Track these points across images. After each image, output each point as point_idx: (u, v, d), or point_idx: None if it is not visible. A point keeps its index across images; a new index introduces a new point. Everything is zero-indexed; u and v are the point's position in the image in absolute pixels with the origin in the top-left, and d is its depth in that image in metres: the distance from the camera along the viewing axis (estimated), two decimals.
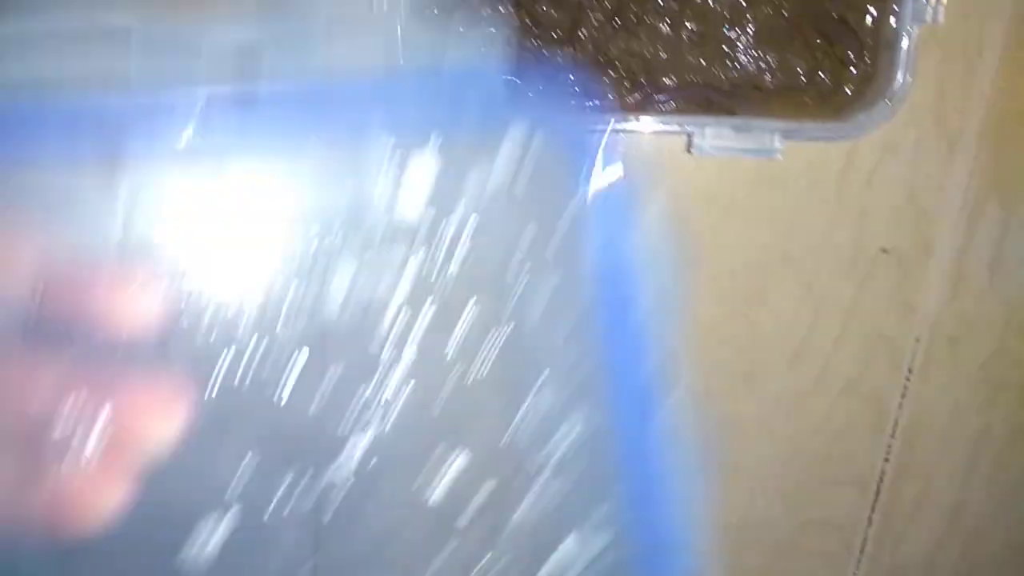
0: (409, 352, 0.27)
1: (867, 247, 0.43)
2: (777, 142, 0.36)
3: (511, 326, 0.27)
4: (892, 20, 0.36)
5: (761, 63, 0.39)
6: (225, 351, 0.25)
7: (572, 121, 0.27)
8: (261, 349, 0.26)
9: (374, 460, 0.27)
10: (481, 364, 0.27)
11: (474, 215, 0.26)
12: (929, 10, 0.35)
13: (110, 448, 0.22)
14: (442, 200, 0.26)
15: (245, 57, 0.23)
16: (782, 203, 0.42)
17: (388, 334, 0.27)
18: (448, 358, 0.27)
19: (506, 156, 0.25)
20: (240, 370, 0.25)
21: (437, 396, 0.27)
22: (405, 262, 0.27)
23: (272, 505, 0.26)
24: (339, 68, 0.24)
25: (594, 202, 0.26)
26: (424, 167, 0.25)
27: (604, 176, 0.26)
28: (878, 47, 0.38)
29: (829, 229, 0.42)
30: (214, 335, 0.25)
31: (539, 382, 0.27)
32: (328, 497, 0.27)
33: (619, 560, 0.27)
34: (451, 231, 0.26)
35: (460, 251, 0.27)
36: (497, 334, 0.27)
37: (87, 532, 0.22)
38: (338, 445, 0.27)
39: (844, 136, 0.37)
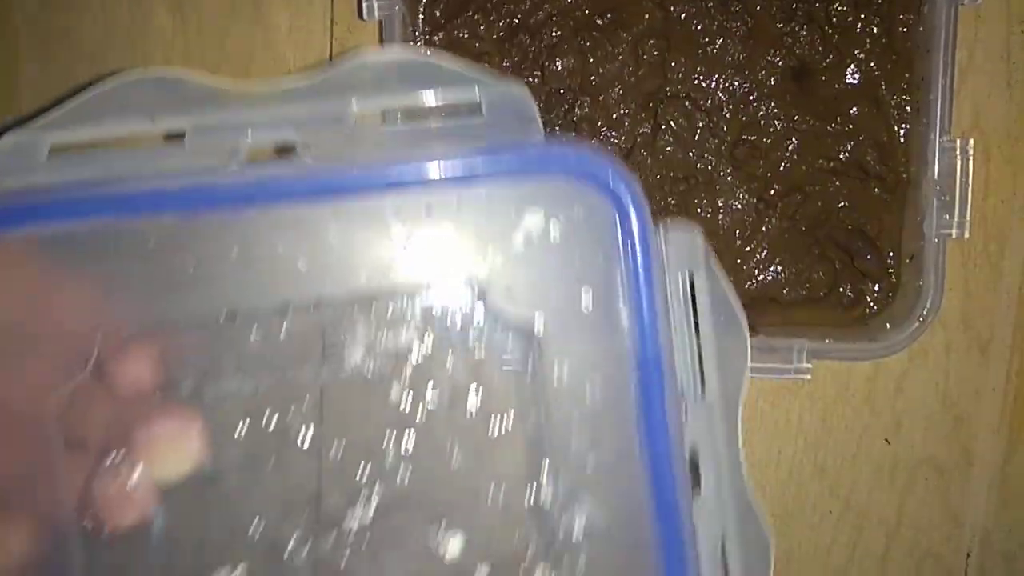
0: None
1: (905, 457, 0.40)
2: (805, 362, 0.35)
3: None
4: (915, 235, 0.35)
5: (778, 276, 0.38)
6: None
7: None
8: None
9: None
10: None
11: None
12: (955, 225, 0.34)
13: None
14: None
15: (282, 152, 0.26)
16: (810, 413, 0.40)
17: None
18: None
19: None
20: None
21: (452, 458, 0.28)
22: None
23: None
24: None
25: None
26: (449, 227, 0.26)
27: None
28: (900, 261, 0.37)
29: (863, 439, 0.40)
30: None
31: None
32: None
33: None
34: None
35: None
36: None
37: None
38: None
39: (875, 356, 0.35)
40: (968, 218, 0.34)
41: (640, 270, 0.26)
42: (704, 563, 0.27)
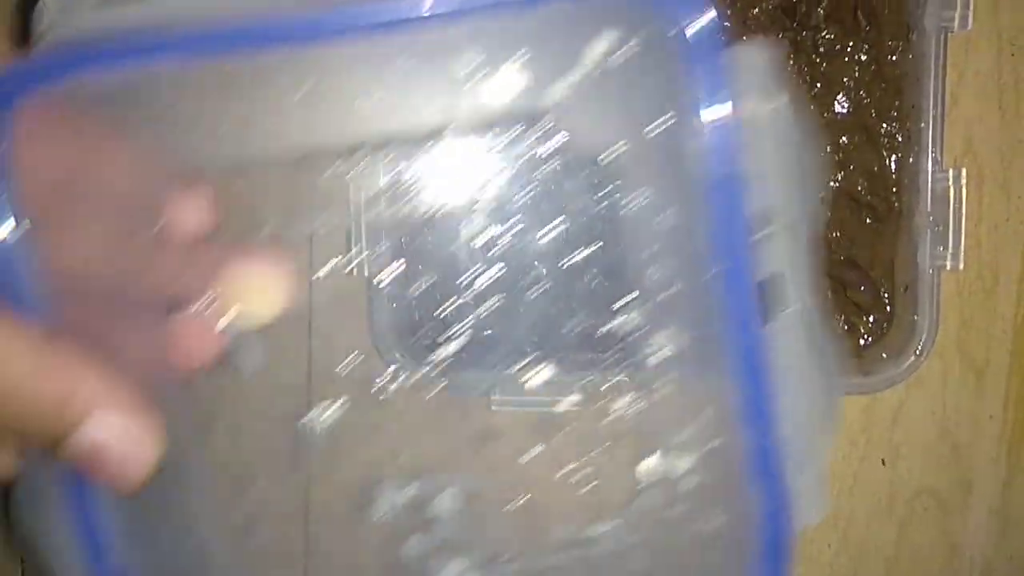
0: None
1: (903, 488, 0.40)
2: None
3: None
4: (909, 264, 0.35)
5: None
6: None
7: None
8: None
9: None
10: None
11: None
12: (949, 256, 0.33)
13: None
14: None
15: None
16: None
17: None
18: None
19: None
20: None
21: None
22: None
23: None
24: None
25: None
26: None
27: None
28: (894, 291, 0.36)
29: (860, 470, 0.40)
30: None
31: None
32: None
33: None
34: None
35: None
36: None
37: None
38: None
39: (871, 390, 0.34)
40: (963, 249, 0.34)
41: (714, 90, 0.24)
42: (776, 391, 0.27)
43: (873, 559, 0.40)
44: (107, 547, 0.24)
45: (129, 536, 0.24)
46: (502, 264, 0.28)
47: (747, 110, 0.26)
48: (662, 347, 0.28)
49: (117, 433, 0.21)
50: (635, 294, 0.27)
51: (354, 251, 0.29)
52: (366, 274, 0.29)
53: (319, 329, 0.30)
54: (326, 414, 0.28)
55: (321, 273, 0.29)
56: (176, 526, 0.26)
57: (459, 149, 0.27)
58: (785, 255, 0.27)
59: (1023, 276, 0.38)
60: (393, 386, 0.29)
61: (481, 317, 0.29)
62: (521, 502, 0.29)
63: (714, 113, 0.25)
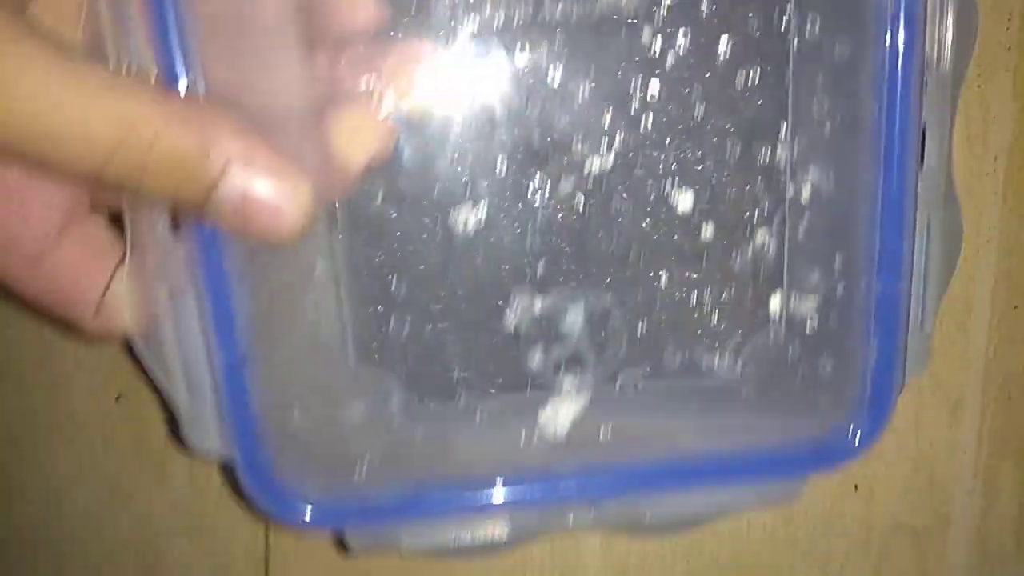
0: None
1: (880, 523, 0.39)
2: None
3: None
4: None
5: None
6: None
7: None
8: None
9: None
10: None
11: None
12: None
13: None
14: None
15: None
16: None
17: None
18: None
19: None
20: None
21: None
22: None
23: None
24: None
25: None
26: None
27: None
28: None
29: (835, 507, 0.39)
30: None
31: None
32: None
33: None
34: None
35: None
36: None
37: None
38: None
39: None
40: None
41: None
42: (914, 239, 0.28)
43: None
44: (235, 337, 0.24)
45: (253, 331, 0.25)
46: (665, 76, 0.29)
47: None
48: (810, 183, 0.29)
49: (267, 182, 0.20)
50: (790, 125, 0.28)
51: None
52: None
53: (480, 130, 0.29)
54: (473, 214, 0.29)
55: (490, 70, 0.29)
56: (301, 322, 0.27)
57: None
58: (935, 108, 0.28)
59: (994, 309, 0.38)
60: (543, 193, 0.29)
61: (640, 132, 0.29)
62: (645, 326, 0.30)
63: None
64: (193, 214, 0.22)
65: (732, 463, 0.29)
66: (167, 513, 0.42)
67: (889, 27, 0.26)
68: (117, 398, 0.41)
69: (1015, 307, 0.37)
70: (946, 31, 0.27)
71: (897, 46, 0.27)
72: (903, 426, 0.39)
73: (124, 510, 0.42)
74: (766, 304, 0.30)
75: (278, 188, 0.21)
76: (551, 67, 0.28)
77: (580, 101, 0.28)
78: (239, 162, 0.20)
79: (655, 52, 0.28)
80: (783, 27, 0.28)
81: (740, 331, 0.30)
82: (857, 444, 0.30)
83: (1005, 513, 0.39)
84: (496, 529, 0.29)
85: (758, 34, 0.28)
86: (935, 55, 0.28)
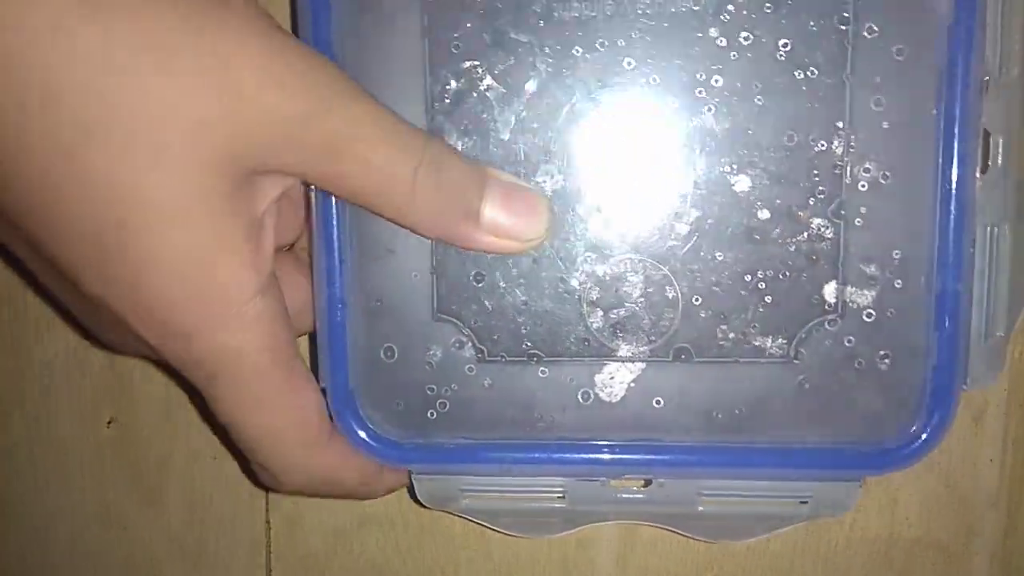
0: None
1: (902, 537, 0.38)
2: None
3: None
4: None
5: None
6: None
7: None
8: None
9: None
10: None
11: None
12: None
13: None
14: None
15: None
16: None
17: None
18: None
19: None
20: None
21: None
22: None
23: None
24: None
25: None
26: None
27: None
28: None
29: (856, 521, 0.38)
30: None
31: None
32: None
33: None
34: None
35: None
36: None
37: None
38: None
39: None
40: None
41: None
42: (976, 241, 0.30)
43: None
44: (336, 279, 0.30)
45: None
46: (727, 66, 0.30)
47: None
48: (870, 174, 0.30)
49: (520, 202, 0.27)
50: (848, 119, 0.29)
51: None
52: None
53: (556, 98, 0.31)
54: (551, 182, 0.30)
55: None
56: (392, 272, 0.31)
57: None
58: (1002, 114, 0.29)
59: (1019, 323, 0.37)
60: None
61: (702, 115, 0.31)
62: (702, 301, 0.31)
63: None
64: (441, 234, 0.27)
65: (787, 453, 0.31)
66: (163, 540, 0.41)
67: (951, 25, 0.28)
68: (109, 423, 0.40)
69: None
70: (1014, 33, 0.28)
71: (955, 48, 0.28)
72: None
73: (118, 538, 0.41)
74: (822, 292, 0.31)
75: (528, 206, 0.26)
76: (626, 58, 0.30)
77: (647, 86, 0.30)
78: (497, 186, 0.26)
79: (721, 44, 0.29)
80: (842, 23, 0.29)
81: (795, 317, 0.31)
82: (916, 447, 0.31)
83: None
84: (551, 500, 0.32)
85: (816, 28, 0.29)
86: (997, 59, 0.29)
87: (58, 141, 0.20)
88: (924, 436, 0.30)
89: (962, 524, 0.38)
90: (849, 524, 0.38)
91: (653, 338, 0.31)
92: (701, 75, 0.29)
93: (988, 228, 0.30)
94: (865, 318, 0.30)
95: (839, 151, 0.30)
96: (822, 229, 0.30)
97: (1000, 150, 0.29)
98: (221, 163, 0.21)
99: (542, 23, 0.29)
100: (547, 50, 0.29)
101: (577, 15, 0.29)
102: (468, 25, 0.29)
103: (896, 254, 0.30)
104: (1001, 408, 0.37)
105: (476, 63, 0.29)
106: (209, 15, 0.20)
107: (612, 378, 0.31)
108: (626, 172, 0.30)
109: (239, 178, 0.21)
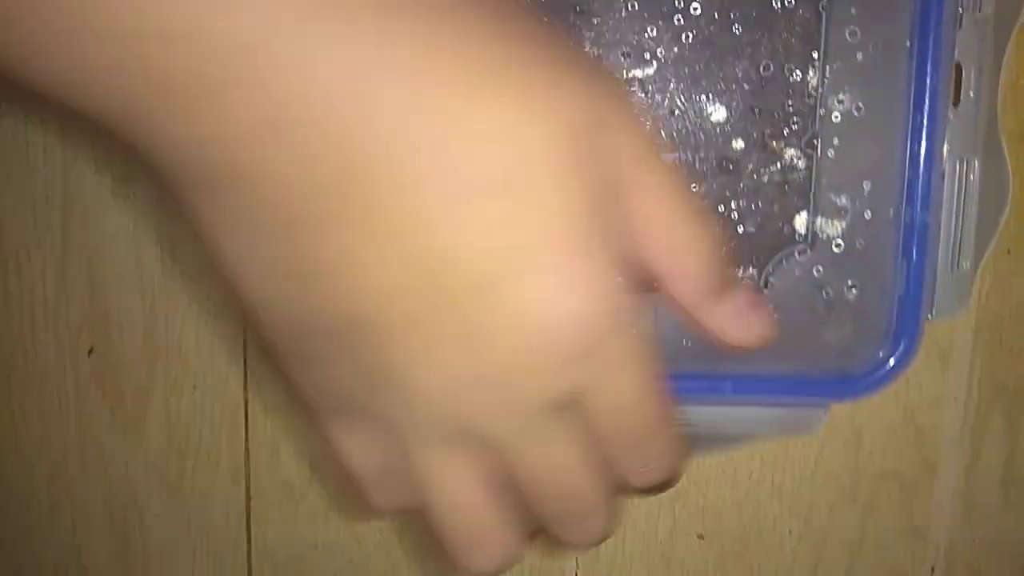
0: None
1: (866, 472, 0.39)
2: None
3: None
4: None
5: None
6: None
7: None
8: None
9: None
10: None
11: None
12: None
13: None
14: None
15: None
16: None
17: None
18: None
19: None
20: None
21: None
22: None
23: None
24: None
25: None
26: None
27: None
28: None
29: (822, 455, 0.38)
30: None
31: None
32: None
33: None
34: None
35: None
36: None
37: None
38: None
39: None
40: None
41: None
42: (946, 173, 0.30)
43: (836, 544, 0.39)
44: None
45: None
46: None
47: None
48: (841, 108, 0.30)
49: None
50: (823, 51, 0.30)
51: None
52: None
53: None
54: None
55: None
56: None
57: None
58: (974, 50, 0.29)
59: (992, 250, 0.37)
60: None
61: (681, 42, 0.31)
62: None
63: None
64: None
65: (755, 381, 0.31)
66: (143, 472, 0.41)
67: None
68: (89, 352, 0.40)
69: (1008, 251, 0.37)
70: None
71: None
72: None
73: (97, 470, 0.41)
74: (792, 222, 0.31)
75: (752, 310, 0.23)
76: None
77: (625, 13, 0.30)
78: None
79: None
80: None
81: (766, 247, 0.31)
82: (880, 375, 0.31)
83: (993, 463, 0.39)
84: None
85: None
86: None
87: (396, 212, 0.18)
88: (889, 364, 0.31)
89: (926, 460, 0.39)
90: (814, 457, 0.38)
91: None
92: (680, 2, 0.30)
93: (958, 161, 0.30)
94: (834, 248, 0.31)
95: (813, 82, 0.30)
96: (795, 160, 0.30)
97: (972, 83, 0.29)
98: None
99: None
100: None
101: None
102: None
103: (866, 185, 0.30)
104: (967, 347, 0.38)
105: None
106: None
107: None
108: None
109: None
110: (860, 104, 0.30)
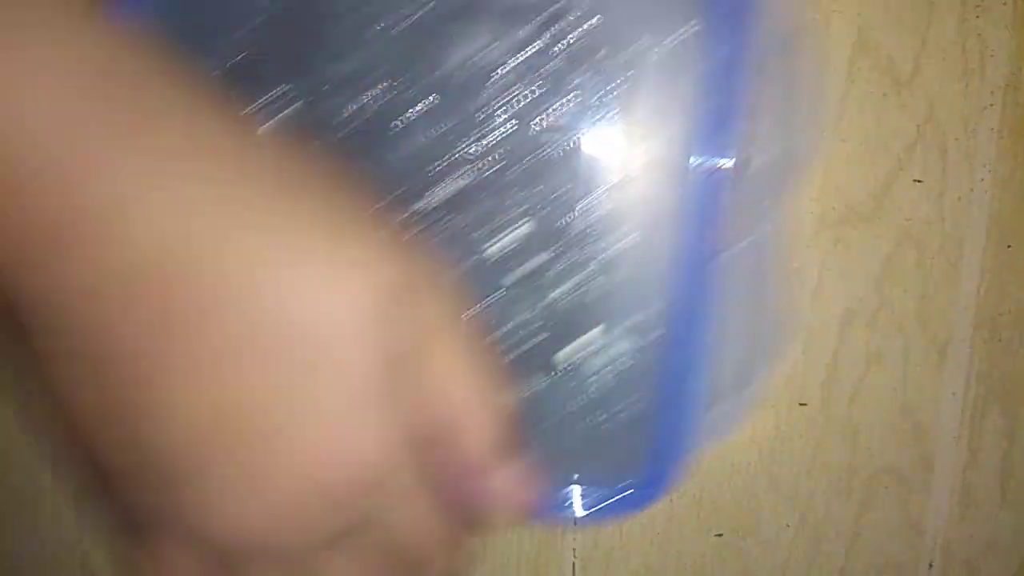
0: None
1: (863, 466, 0.39)
2: None
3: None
4: None
5: None
6: None
7: None
8: None
9: None
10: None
11: None
12: None
13: None
14: None
15: None
16: (763, 423, 0.38)
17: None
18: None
19: None
20: None
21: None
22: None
23: None
24: None
25: None
26: None
27: None
28: None
29: (819, 449, 0.38)
30: None
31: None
32: None
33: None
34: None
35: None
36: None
37: None
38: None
39: None
40: None
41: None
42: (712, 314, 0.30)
43: (832, 539, 0.39)
44: None
45: None
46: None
47: (763, 37, 0.29)
48: (629, 235, 0.30)
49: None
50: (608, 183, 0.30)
51: None
52: None
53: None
54: None
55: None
56: None
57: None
58: (761, 188, 0.30)
59: (987, 248, 0.37)
60: None
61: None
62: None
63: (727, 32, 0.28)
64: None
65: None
66: None
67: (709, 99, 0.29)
68: None
69: (1008, 246, 0.37)
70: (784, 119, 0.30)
71: (715, 122, 0.29)
72: (890, 367, 0.38)
73: None
74: (586, 337, 0.31)
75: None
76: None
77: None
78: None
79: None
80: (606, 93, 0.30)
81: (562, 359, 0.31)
82: (631, 503, 0.31)
83: (990, 459, 0.39)
84: None
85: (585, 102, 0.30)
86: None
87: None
88: (642, 494, 0.31)
89: (923, 456, 0.39)
90: (812, 451, 0.38)
91: None
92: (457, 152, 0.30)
93: (735, 296, 0.31)
94: (621, 364, 0.31)
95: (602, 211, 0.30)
96: (589, 279, 0.30)
97: (754, 220, 0.30)
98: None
99: None
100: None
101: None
102: None
103: (649, 309, 0.30)
104: (966, 343, 0.38)
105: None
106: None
107: None
108: None
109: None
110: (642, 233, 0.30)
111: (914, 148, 0.37)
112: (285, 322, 0.20)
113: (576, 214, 0.29)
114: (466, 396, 0.23)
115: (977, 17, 0.36)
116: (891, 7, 0.36)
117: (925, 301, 0.37)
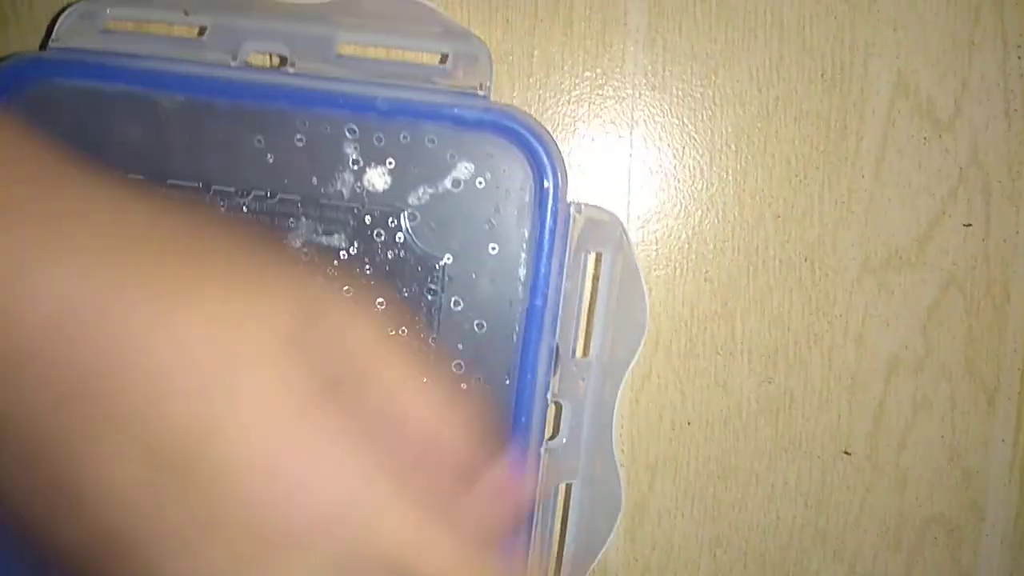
0: None
1: (912, 516, 0.38)
2: None
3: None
4: None
5: None
6: None
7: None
8: None
9: None
10: None
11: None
12: None
13: None
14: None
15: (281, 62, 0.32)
16: (809, 474, 0.37)
17: None
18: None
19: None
20: None
21: None
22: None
23: None
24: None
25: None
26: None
27: None
28: None
29: (867, 499, 0.37)
30: None
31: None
32: None
33: None
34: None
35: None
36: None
37: None
38: None
39: None
40: None
41: (547, 232, 0.31)
42: (541, 495, 0.33)
43: None
44: None
45: None
46: None
47: (577, 257, 0.32)
48: None
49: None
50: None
51: None
52: None
53: None
54: None
55: None
56: None
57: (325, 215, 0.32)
58: (577, 388, 0.32)
59: None
60: None
61: None
62: None
63: (543, 249, 0.31)
64: None
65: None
66: None
67: (525, 311, 0.31)
68: None
69: None
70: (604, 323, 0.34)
71: (530, 330, 0.31)
72: (938, 414, 0.37)
73: None
74: None
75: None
76: None
77: None
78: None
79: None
80: (433, 296, 0.32)
81: None
82: None
83: None
84: None
85: (412, 300, 0.32)
86: (573, 344, 0.33)
87: None
88: None
89: (973, 504, 0.38)
90: (859, 502, 0.37)
91: None
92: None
93: (560, 486, 0.33)
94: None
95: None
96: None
97: (570, 420, 0.32)
98: None
99: None
100: None
101: None
102: None
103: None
104: (1014, 389, 0.37)
105: None
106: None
107: None
108: None
109: None
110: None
111: (957, 191, 0.36)
112: (197, 360, 0.19)
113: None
114: (427, 411, 0.22)
115: (1019, 58, 0.35)
116: (931, 48, 0.35)
117: (972, 346, 0.37)
